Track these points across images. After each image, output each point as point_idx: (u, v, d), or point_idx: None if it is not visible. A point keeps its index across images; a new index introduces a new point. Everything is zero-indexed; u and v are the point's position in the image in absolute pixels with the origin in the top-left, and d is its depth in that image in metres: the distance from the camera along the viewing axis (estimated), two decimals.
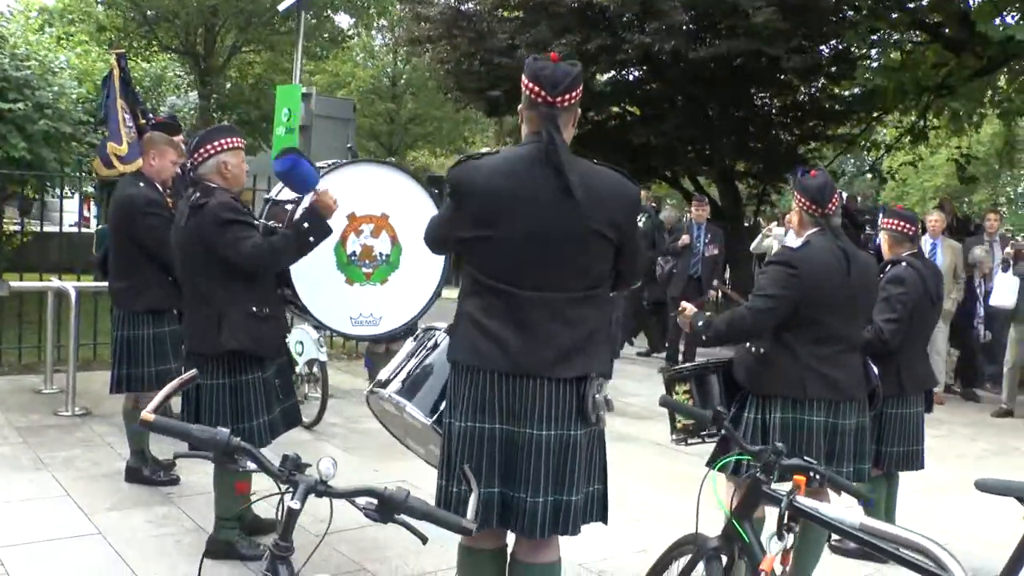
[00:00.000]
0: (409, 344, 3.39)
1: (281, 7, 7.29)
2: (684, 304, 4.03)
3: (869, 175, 16.28)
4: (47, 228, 9.87)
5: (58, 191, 9.34)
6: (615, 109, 15.26)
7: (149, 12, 13.37)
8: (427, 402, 3.11)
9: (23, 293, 7.68)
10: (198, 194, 3.87)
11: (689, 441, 4.14)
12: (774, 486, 2.69)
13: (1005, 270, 8.68)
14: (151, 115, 6.13)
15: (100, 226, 5.94)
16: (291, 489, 1.89)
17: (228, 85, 14.45)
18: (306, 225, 3.79)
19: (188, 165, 4.00)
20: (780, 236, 9.64)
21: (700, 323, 3.87)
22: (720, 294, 11.85)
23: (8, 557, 4.03)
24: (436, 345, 3.22)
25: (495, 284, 2.74)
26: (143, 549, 4.21)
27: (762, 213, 16.04)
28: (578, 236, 2.72)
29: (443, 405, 2.99)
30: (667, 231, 10.82)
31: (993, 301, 8.84)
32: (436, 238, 3.02)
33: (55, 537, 4.28)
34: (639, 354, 11.34)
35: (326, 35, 14.53)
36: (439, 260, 4.45)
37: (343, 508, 4.40)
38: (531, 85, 2.75)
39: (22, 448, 5.66)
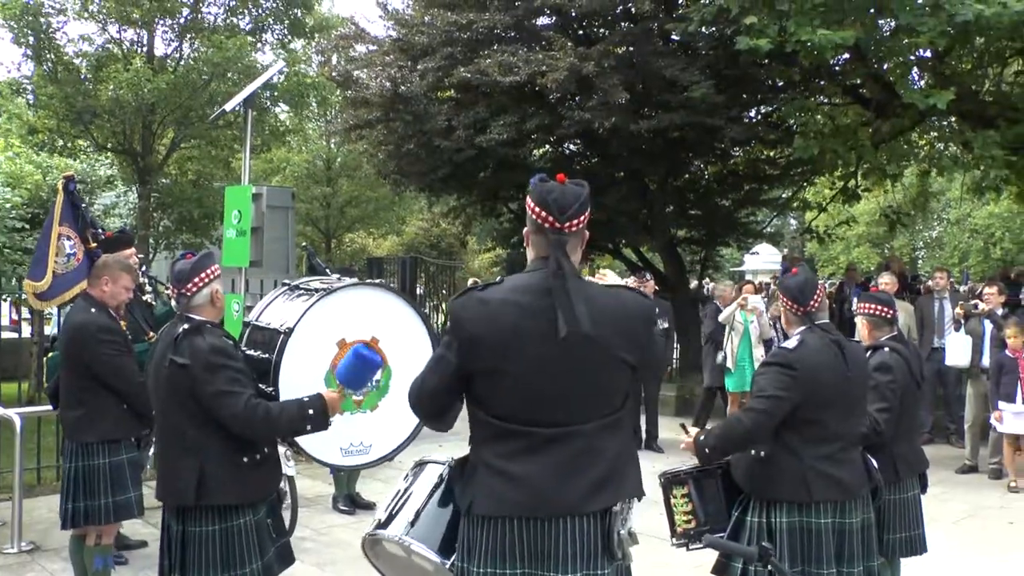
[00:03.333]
0: (403, 481, 3.21)
1: (228, 106, 7.12)
2: (684, 439, 3.93)
3: (805, 234, 16.57)
4: None
5: None
6: None
7: (83, 112, 13.08)
8: (436, 541, 2.94)
9: None
10: (185, 327, 3.58)
11: (691, 546, 4.03)
12: None
13: (957, 329, 8.83)
14: (101, 230, 5.86)
15: (50, 355, 5.65)
16: None
17: (167, 182, 14.17)
18: (311, 412, 3.57)
19: (179, 292, 3.70)
20: (758, 303, 9.64)
21: (702, 438, 3.78)
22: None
23: None
24: (440, 481, 3.05)
25: (512, 426, 2.60)
26: None
27: (708, 276, 16.22)
28: (594, 366, 2.60)
29: (455, 545, 2.84)
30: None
31: (948, 361, 8.96)
32: (432, 386, 2.74)
33: None
34: None
35: (267, 129, 14.42)
36: None
37: None
38: (538, 210, 2.65)
39: None
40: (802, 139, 11.03)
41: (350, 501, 7.33)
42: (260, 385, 3.72)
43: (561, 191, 2.66)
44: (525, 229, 2.77)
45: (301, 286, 4.18)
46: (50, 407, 5.58)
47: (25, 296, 5.58)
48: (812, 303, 3.77)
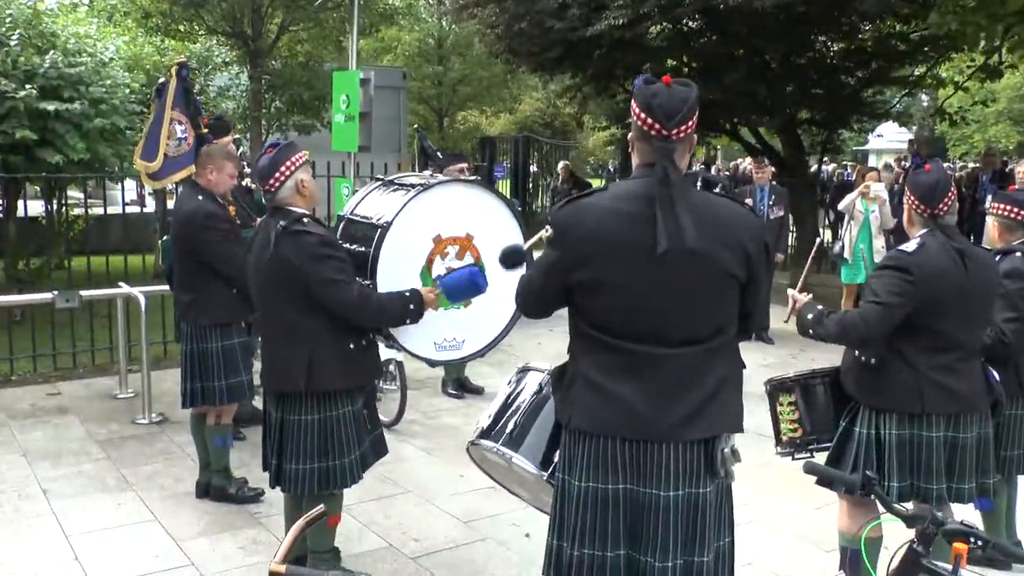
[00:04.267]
0: (507, 387, 3.22)
1: None
2: (792, 293, 3.80)
3: (936, 117, 15.55)
4: (107, 210, 9.74)
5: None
6: (671, 62, 14.78)
7: None
8: (537, 453, 2.96)
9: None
10: (283, 223, 3.64)
11: (796, 456, 3.96)
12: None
13: None
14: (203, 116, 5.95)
15: (164, 238, 5.86)
16: None
17: (278, 65, 14.17)
18: (412, 307, 3.70)
19: (264, 190, 3.79)
20: (880, 191, 9.15)
21: (810, 316, 3.64)
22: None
23: None
24: (540, 389, 3.05)
25: (613, 340, 2.53)
26: None
27: (828, 157, 15.44)
28: (698, 281, 2.49)
29: (556, 456, 2.84)
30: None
31: None
32: (537, 290, 2.71)
33: (149, 572, 4.25)
34: None
35: (376, 10, 14.14)
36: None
37: (435, 524, 4.26)
38: (643, 116, 2.50)
39: (106, 465, 5.65)
40: (938, 14, 10.18)
41: (459, 385, 7.46)
42: (357, 278, 3.78)
43: (667, 94, 2.50)
44: (629, 134, 2.64)
45: (396, 181, 4.18)
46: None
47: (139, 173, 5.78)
48: (941, 206, 3.52)
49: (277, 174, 3.71)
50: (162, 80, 5.74)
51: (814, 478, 3.79)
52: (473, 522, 4.86)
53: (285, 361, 3.71)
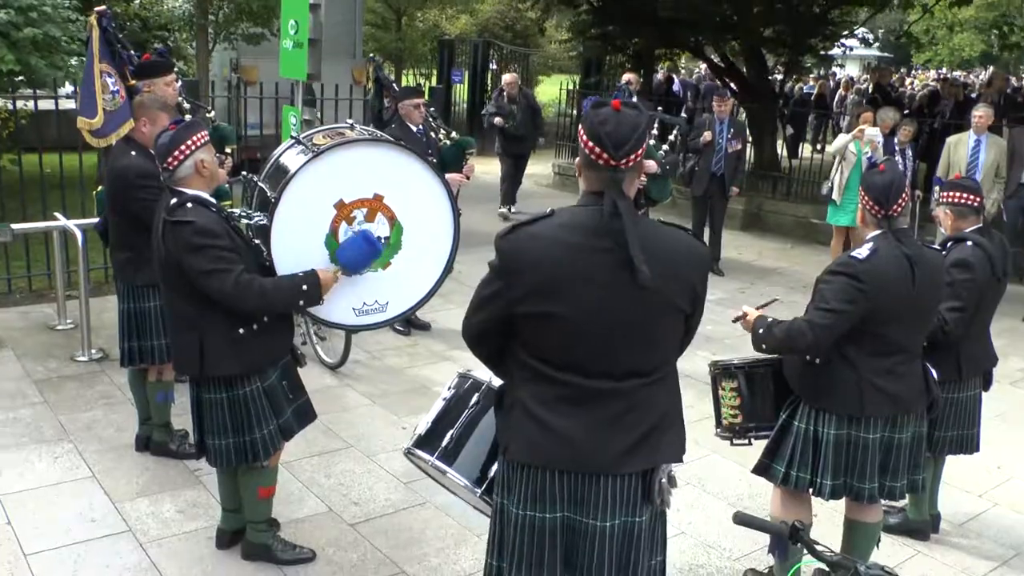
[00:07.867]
0: (446, 392, 3.16)
1: None
2: (746, 309, 3.80)
3: (902, 39, 15.38)
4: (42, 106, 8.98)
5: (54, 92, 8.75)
6: None
7: None
8: (472, 468, 2.94)
9: (27, 210, 7.61)
10: (174, 200, 3.54)
11: (734, 441, 4.01)
12: None
13: None
14: (135, 54, 5.58)
15: (99, 189, 5.60)
16: None
17: None
18: (305, 288, 3.60)
19: (162, 168, 3.64)
20: (875, 136, 8.95)
21: (760, 330, 3.64)
22: None
23: (37, 563, 3.99)
24: (478, 403, 2.99)
25: (556, 373, 2.47)
26: (176, 552, 4.13)
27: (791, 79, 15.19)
28: (649, 313, 2.44)
29: (492, 470, 2.84)
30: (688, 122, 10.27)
31: None
32: (479, 321, 2.60)
33: (85, 538, 4.21)
34: None
35: None
36: (447, 233, 4.11)
37: (376, 486, 4.19)
38: (591, 144, 2.40)
39: (43, 410, 5.54)
40: None
41: (405, 321, 7.39)
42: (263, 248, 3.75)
43: (616, 122, 2.39)
44: (577, 160, 2.54)
45: (303, 141, 4.00)
46: None
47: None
48: (895, 207, 3.50)
49: (177, 152, 3.58)
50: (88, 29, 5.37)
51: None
52: (413, 483, 4.84)
53: (181, 346, 3.73)
